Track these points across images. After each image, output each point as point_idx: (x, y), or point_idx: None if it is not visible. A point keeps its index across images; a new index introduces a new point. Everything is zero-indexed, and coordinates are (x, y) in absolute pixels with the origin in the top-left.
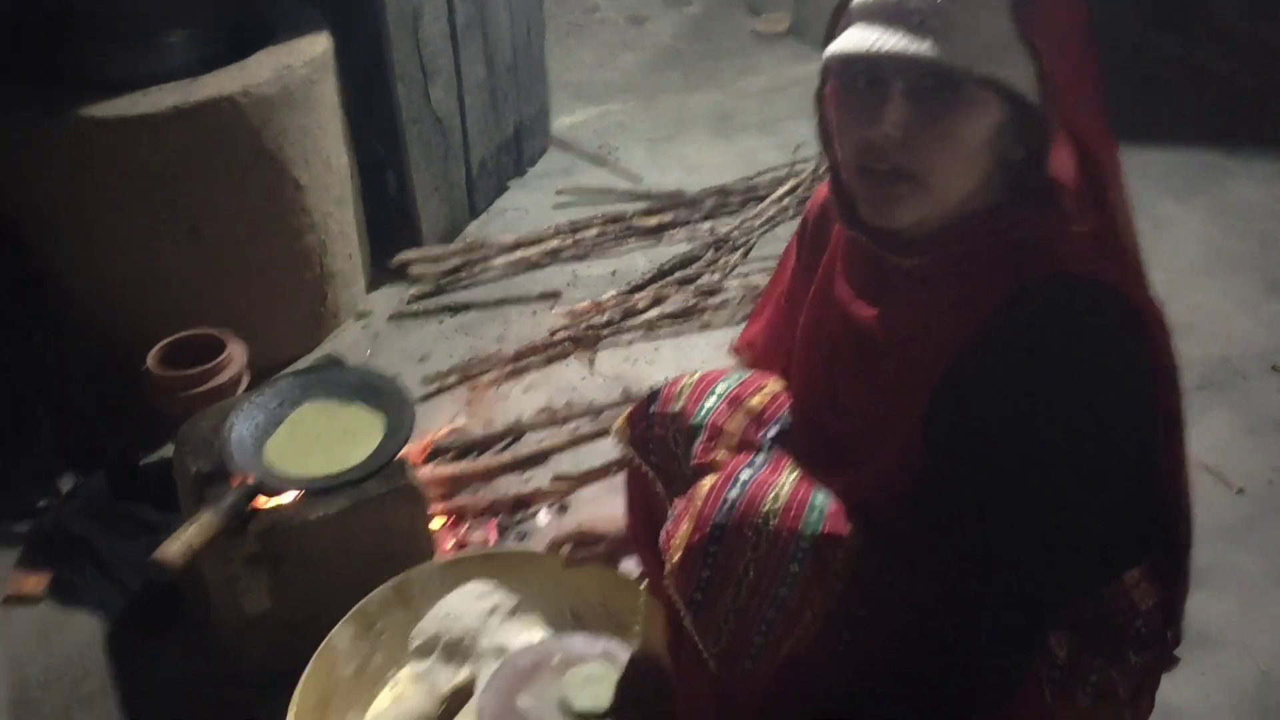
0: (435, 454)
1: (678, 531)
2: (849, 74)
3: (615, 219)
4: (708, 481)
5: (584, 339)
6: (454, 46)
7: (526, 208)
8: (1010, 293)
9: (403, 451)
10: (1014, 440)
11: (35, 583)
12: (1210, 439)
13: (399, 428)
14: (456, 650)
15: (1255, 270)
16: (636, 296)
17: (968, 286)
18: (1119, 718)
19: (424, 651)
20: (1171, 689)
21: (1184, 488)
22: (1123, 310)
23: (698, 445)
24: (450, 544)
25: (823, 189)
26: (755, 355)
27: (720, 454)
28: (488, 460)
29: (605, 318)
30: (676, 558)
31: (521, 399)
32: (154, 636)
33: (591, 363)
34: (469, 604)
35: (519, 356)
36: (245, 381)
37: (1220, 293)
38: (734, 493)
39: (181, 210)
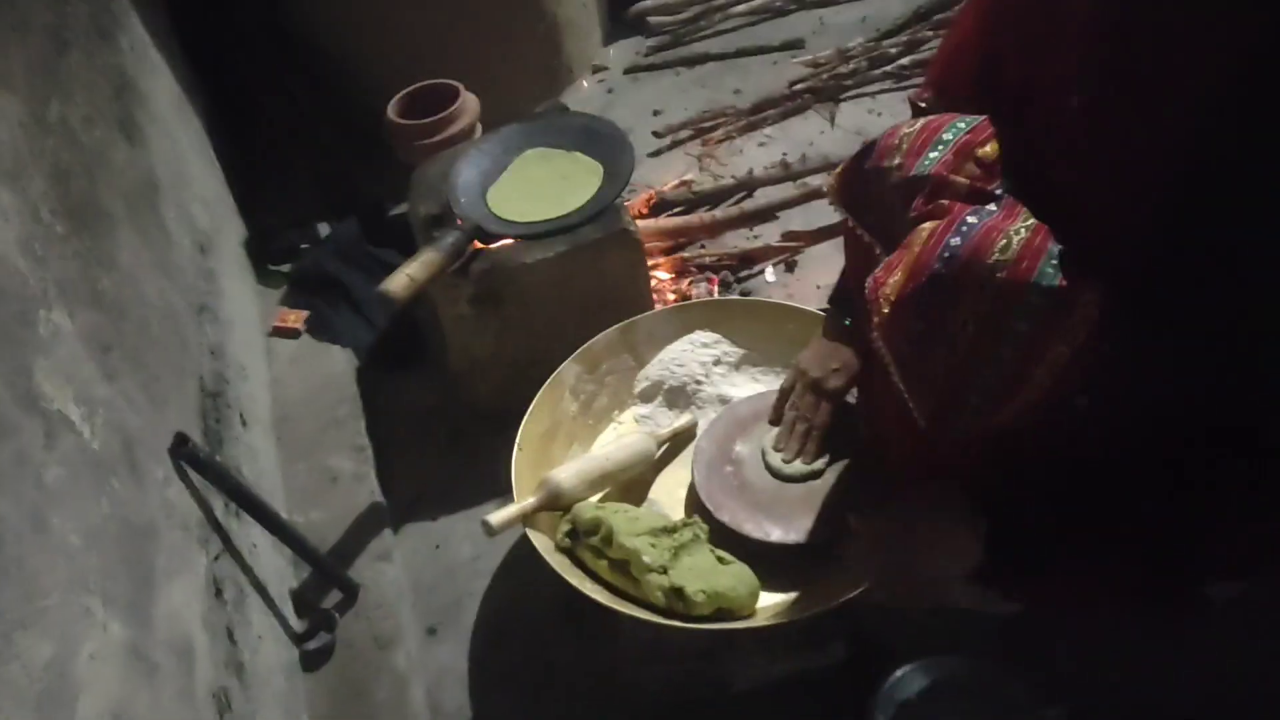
0: (662, 206)
1: (889, 279)
2: None
3: None
4: (928, 226)
5: (826, 90)
6: None
7: None
8: None
9: (622, 199)
10: None
11: (296, 317)
12: None
13: (617, 174)
14: (679, 396)
15: None
16: (888, 44)
17: None
18: None
19: (647, 396)
20: None
21: None
22: None
23: (919, 199)
24: (673, 297)
25: None
26: (947, 98)
27: (945, 203)
28: (714, 214)
29: (851, 67)
30: (886, 309)
31: (755, 153)
32: (398, 371)
33: (833, 116)
34: (693, 352)
35: (755, 109)
36: (478, 132)
37: None
38: (957, 240)
39: None
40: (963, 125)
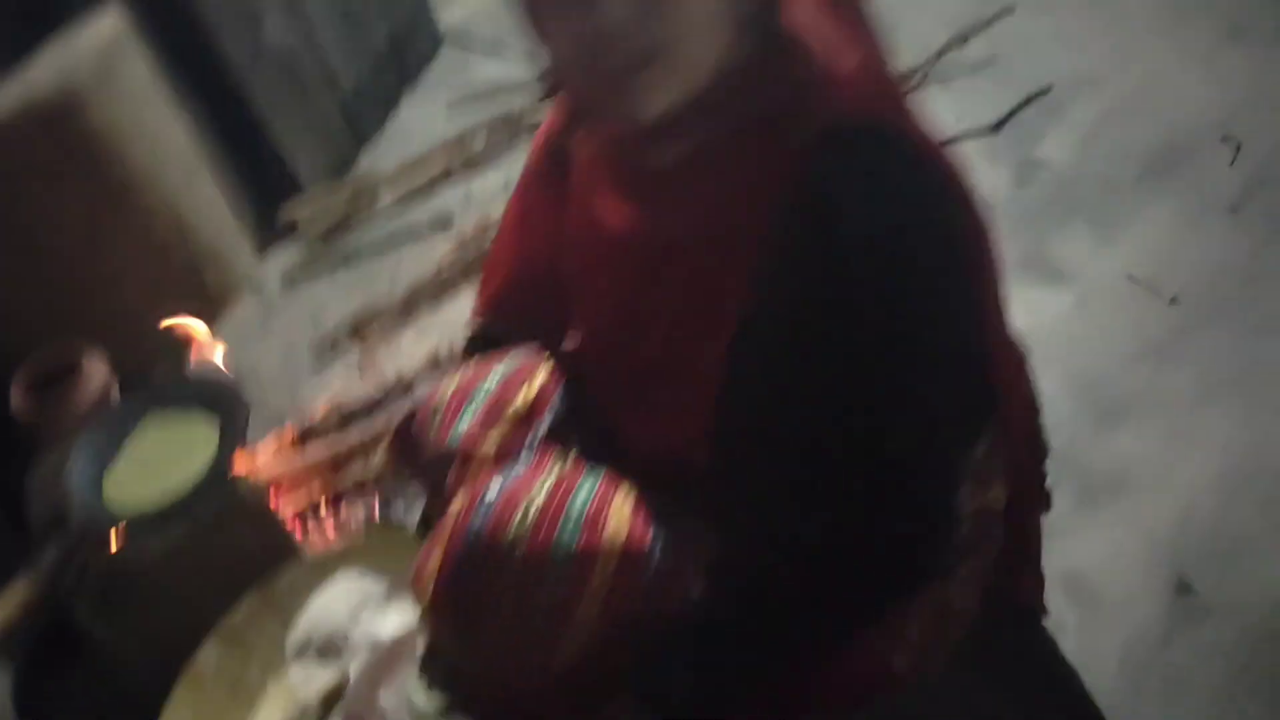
0: (315, 432)
1: (427, 565)
2: None
3: (505, 120)
4: (454, 508)
5: (474, 264)
6: None
7: (421, 123)
8: (800, 158)
9: (242, 458)
10: (862, 312)
11: None
12: (1146, 242)
13: (231, 434)
14: (331, 649)
15: (1214, 15)
16: None
17: (746, 159)
18: (969, 618)
19: (300, 655)
20: (1078, 546)
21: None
22: (926, 151)
23: (451, 474)
24: (332, 529)
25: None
26: (502, 316)
27: (472, 476)
28: (363, 429)
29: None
30: (430, 594)
31: (413, 347)
32: (61, 677)
33: None
34: (339, 598)
35: (408, 301)
36: (116, 394)
37: (1172, 52)
38: (478, 521)
39: (7, 225)
40: (496, 379)
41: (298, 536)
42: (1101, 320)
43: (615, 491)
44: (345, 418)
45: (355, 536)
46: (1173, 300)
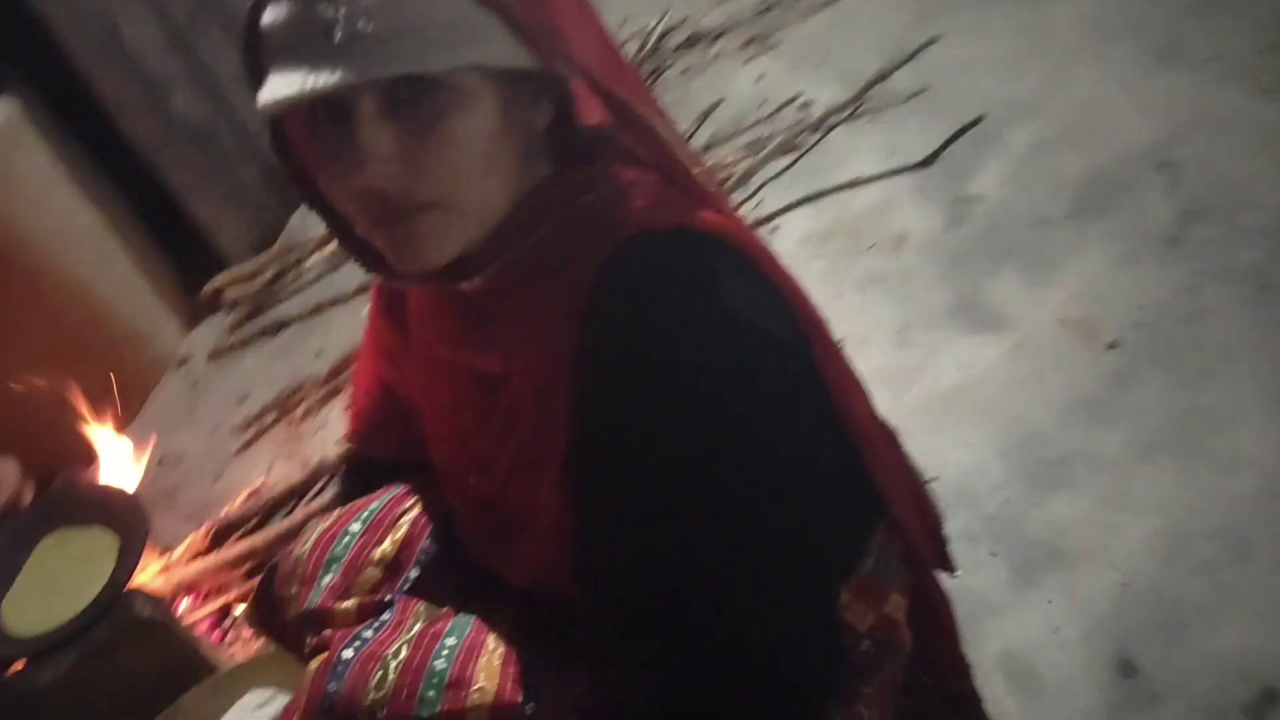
0: (234, 526)
1: None
2: (305, 115)
3: None
4: (313, 667)
5: None
6: (183, 45)
7: None
8: (606, 268)
9: (147, 570)
10: (689, 454)
11: None
12: (1083, 281)
13: (130, 550)
14: None
15: (1146, 37)
16: None
17: (552, 276)
18: None
19: None
20: (1016, 625)
21: (873, 450)
22: (738, 253)
23: (311, 635)
24: (251, 632)
25: None
26: (370, 442)
27: (329, 634)
28: (281, 523)
29: None
30: None
31: (337, 424)
32: None
33: None
34: (248, 717)
35: (333, 373)
36: (29, 498)
37: (1101, 77)
38: (334, 684)
39: None
40: (359, 526)
41: (213, 641)
42: (1037, 368)
43: (482, 645)
44: (268, 506)
45: (242, 665)
46: (1111, 345)
